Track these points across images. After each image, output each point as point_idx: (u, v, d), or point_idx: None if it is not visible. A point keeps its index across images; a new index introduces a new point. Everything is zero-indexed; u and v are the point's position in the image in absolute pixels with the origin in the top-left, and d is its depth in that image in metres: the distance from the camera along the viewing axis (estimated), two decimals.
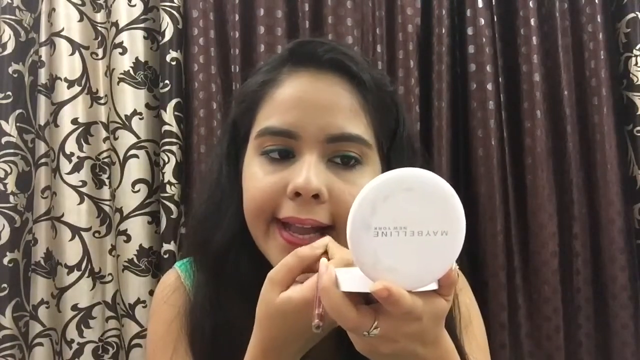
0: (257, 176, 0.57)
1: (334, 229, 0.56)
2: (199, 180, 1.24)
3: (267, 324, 0.50)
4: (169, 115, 1.25)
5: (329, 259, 0.49)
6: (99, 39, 1.31)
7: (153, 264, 1.26)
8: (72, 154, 1.25)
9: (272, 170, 0.57)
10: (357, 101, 0.58)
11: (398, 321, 0.43)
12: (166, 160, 1.24)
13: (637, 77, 1.32)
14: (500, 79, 1.32)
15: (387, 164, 0.61)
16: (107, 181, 1.28)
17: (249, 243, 0.61)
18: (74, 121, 1.26)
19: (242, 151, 0.63)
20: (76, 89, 1.26)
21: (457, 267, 0.71)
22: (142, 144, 1.27)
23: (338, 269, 0.45)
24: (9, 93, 1.28)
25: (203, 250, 0.64)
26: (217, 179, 0.65)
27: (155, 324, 0.70)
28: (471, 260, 1.29)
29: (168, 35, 1.26)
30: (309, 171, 0.54)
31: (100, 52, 1.30)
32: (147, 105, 1.29)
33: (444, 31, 1.31)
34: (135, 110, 1.27)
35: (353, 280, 0.43)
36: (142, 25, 1.29)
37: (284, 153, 0.57)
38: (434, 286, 0.46)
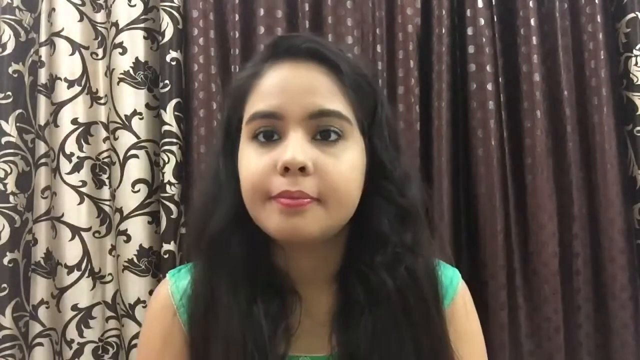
0: (251, 160, 0.62)
1: (321, 201, 0.60)
2: (201, 178, 1.24)
3: None
4: (169, 115, 1.25)
5: None
6: (99, 39, 1.31)
7: (153, 264, 1.26)
8: (72, 154, 1.25)
9: (263, 153, 0.61)
10: (335, 83, 0.63)
11: None
12: (166, 160, 1.24)
13: (637, 77, 1.32)
14: (500, 79, 1.32)
15: (370, 140, 0.66)
16: (107, 181, 1.28)
17: (242, 229, 0.65)
18: (74, 121, 1.26)
19: (237, 144, 0.67)
20: (76, 89, 1.26)
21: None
22: (142, 144, 1.27)
23: None
24: (9, 93, 1.28)
25: (200, 237, 0.67)
26: (215, 173, 0.69)
27: (143, 337, 0.74)
28: (471, 260, 1.29)
29: (168, 35, 1.26)
30: (294, 147, 0.59)
31: (100, 52, 1.30)
32: (147, 105, 1.29)
33: (444, 31, 1.31)
34: (135, 110, 1.27)
35: None
36: (142, 25, 1.29)
37: (272, 135, 0.62)
38: None
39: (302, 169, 0.58)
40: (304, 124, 0.60)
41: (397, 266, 0.62)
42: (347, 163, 0.61)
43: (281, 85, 0.62)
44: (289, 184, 0.58)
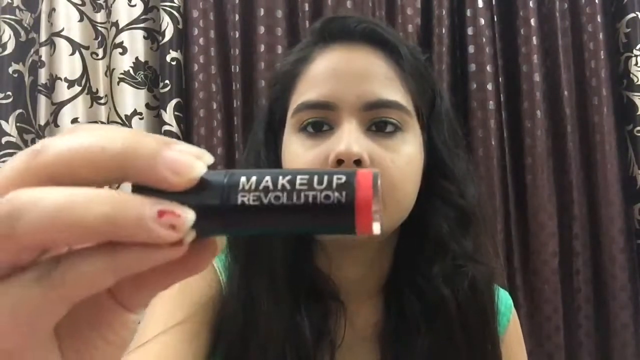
0: (298, 152, 0.56)
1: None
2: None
3: None
4: (169, 115, 1.25)
5: None
6: (99, 39, 1.30)
7: None
8: None
9: (313, 145, 0.55)
10: (393, 69, 0.57)
11: None
12: None
13: (637, 77, 1.32)
14: (500, 79, 1.32)
15: (428, 134, 0.60)
16: None
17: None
18: (74, 121, 1.26)
19: (280, 136, 0.61)
20: (76, 89, 1.26)
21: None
22: None
23: None
24: (9, 93, 1.28)
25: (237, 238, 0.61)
26: (255, 166, 0.62)
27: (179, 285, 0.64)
28: None
29: (168, 35, 1.26)
30: (349, 138, 0.52)
31: (100, 52, 1.30)
32: (147, 105, 1.29)
33: (444, 31, 1.31)
34: (135, 110, 1.27)
35: None
36: (142, 25, 1.29)
37: (322, 126, 0.56)
38: None
39: (358, 162, 0.52)
40: (358, 115, 0.54)
41: (457, 278, 0.55)
42: (406, 157, 0.55)
43: (333, 71, 0.55)
44: None
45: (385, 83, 0.55)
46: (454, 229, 0.57)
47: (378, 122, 0.55)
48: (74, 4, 1.27)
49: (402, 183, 0.54)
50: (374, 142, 0.54)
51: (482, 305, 0.56)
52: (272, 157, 0.60)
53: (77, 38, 1.27)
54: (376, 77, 0.55)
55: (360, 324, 0.59)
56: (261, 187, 0.21)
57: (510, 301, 0.68)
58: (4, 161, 1.27)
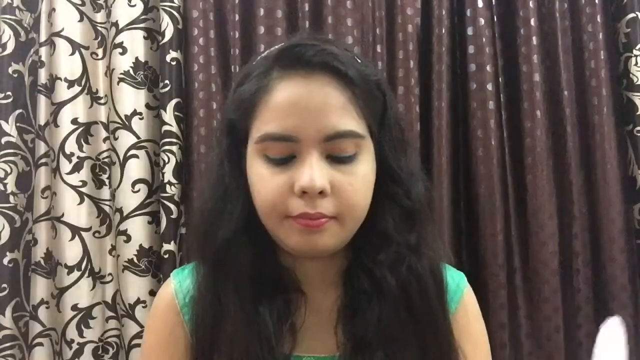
0: (265, 177, 0.61)
1: (337, 219, 0.60)
2: (201, 178, 1.24)
3: None
4: (169, 115, 1.25)
5: None
6: (99, 39, 1.30)
7: (153, 264, 1.26)
8: (72, 154, 1.25)
9: (278, 171, 0.60)
10: (347, 97, 0.61)
11: None
12: (166, 160, 1.24)
13: (637, 77, 1.32)
14: (500, 79, 1.32)
15: (378, 145, 0.65)
16: (107, 181, 1.28)
17: (250, 238, 0.65)
18: (74, 121, 1.26)
19: (243, 149, 0.66)
20: (76, 89, 1.26)
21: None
22: (142, 144, 1.27)
23: None
24: (9, 93, 1.28)
25: (206, 243, 0.67)
26: (220, 176, 0.68)
27: (147, 335, 0.74)
28: (471, 260, 1.29)
29: (168, 35, 1.26)
30: (312, 171, 0.58)
31: (100, 52, 1.30)
32: (147, 105, 1.29)
33: (444, 31, 1.31)
34: (135, 110, 1.27)
35: None
36: (142, 25, 1.29)
37: (285, 155, 0.61)
38: None
39: (321, 192, 0.59)
40: (318, 146, 0.59)
41: (398, 265, 0.63)
42: (362, 178, 0.61)
43: (294, 104, 0.60)
44: (307, 206, 0.59)
45: (341, 114, 0.60)
46: (399, 224, 0.64)
47: (337, 151, 0.60)
48: (74, 4, 1.27)
49: (360, 202, 0.61)
50: (333, 168, 0.60)
51: (423, 285, 0.64)
52: (235, 170, 0.66)
53: (77, 38, 1.27)
54: (333, 109, 0.60)
55: (321, 310, 0.66)
56: None
57: (464, 281, 0.74)
58: (4, 161, 1.27)
